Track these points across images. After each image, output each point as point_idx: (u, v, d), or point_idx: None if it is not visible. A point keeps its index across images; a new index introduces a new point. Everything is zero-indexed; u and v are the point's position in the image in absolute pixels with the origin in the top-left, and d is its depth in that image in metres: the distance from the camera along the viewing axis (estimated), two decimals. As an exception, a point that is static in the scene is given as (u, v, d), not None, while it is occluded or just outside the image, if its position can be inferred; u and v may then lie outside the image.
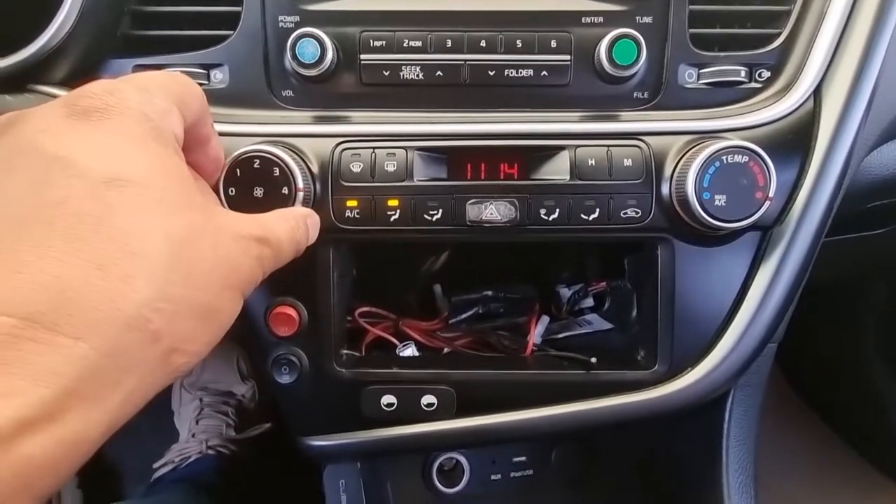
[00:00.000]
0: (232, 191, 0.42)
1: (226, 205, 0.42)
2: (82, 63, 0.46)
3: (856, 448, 1.01)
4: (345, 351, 0.50)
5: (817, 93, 0.46)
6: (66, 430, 0.22)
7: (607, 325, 0.58)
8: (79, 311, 0.22)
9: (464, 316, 0.57)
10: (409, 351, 0.54)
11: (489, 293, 0.58)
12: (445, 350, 0.55)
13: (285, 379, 0.47)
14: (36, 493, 0.21)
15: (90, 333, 0.23)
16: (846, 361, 1.00)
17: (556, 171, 0.45)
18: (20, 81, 0.45)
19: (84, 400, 0.22)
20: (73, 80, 0.46)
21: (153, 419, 1.04)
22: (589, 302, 0.61)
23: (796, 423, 1.06)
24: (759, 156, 0.42)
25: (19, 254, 0.23)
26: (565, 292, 0.61)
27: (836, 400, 1.05)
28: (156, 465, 0.92)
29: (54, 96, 0.45)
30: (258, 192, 0.42)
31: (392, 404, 0.48)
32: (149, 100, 0.29)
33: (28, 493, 0.21)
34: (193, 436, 0.95)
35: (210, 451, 0.92)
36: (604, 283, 0.58)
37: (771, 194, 0.42)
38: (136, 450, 1.01)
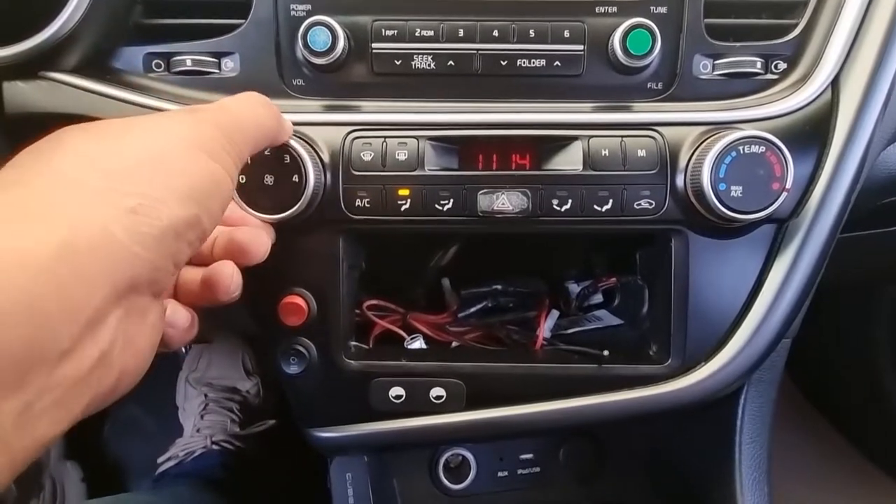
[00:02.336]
0: (242, 178, 0.41)
1: (235, 194, 0.42)
2: (94, 51, 0.46)
3: (864, 452, 0.99)
4: (353, 343, 0.50)
5: (835, 84, 0.45)
6: None
7: (617, 321, 0.57)
8: None
9: (473, 310, 0.56)
10: (417, 344, 0.54)
11: (498, 287, 0.57)
12: (454, 344, 0.55)
13: (293, 369, 0.47)
14: None
15: None
16: (856, 363, 0.99)
17: (569, 161, 0.45)
18: (32, 68, 0.45)
19: None
20: (85, 68, 0.46)
21: (158, 414, 1.04)
22: (598, 298, 0.60)
23: (804, 426, 1.05)
24: (777, 146, 0.41)
25: None
26: (574, 288, 0.60)
27: (845, 403, 1.03)
28: (160, 460, 0.92)
29: (66, 83, 0.45)
30: (269, 179, 0.42)
31: (400, 396, 0.48)
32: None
33: None
34: (198, 431, 0.95)
35: (214, 447, 0.92)
36: (613, 279, 0.58)
37: (788, 185, 0.42)
38: (141, 444, 1.01)
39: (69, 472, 0.97)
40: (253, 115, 0.34)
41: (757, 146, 0.41)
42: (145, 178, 0.26)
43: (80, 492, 0.96)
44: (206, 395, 1.00)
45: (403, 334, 0.54)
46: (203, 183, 0.28)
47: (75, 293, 0.23)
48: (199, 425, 0.96)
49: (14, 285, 0.21)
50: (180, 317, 0.34)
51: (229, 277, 0.35)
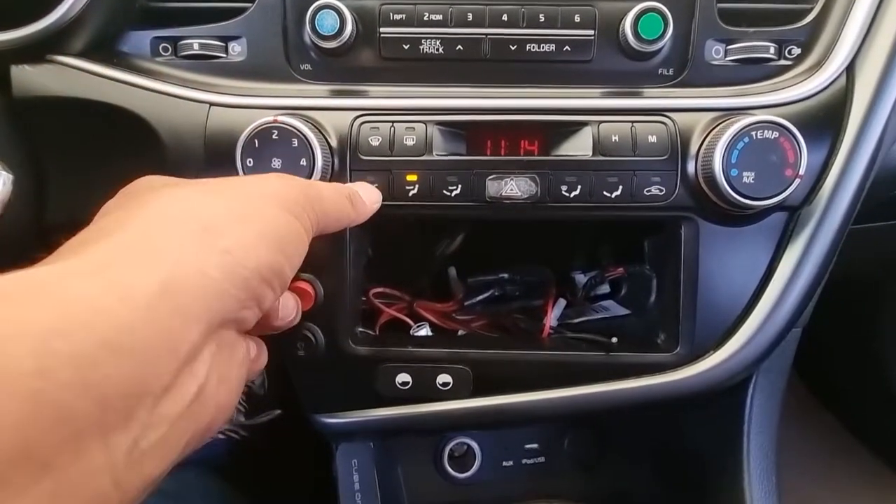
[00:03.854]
0: (250, 161, 0.41)
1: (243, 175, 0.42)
2: (101, 34, 0.46)
3: (870, 447, 0.99)
4: (360, 329, 0.50)
5: (850, 70, 0.45)
6: None
7: (624, 311, 0.57)
8: None
9: (479, 298, 0.56)
10: (424, 332, 0.53)
11: (505, 276, 0.57)
12: (460, 332, 0.55)
13: (300, 354, 0.47)
14: None
15: None
16: (863, 358, 0.98)
17: (579, 147, 0.44)
18: (39, 52, 0.44)
19: None
20: (92, 52, 0.46)
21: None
22: (605, 288, 0.60)
23: (809, 421, 1.04)
24: (790, 131, 0.41)
25: None
26: (581, 278, 0.60)
27: (852, 397, 1.03)
28: (167, 448, 0.92)
29: (73, 67, 0.45)
30: (276, 163, 0.41)
31: (407, 383, 0.48)
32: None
33: None
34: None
35: (220, 436, 0.92)
36: (621, 269, 0.57)
37: (801, 172, 0.41)
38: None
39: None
40: (336, 196, 0.37)
41: (770, 132, 0.41)
42: (237, 225, 0.28)
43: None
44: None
45: (410, 322, 0.54)
46: (287, 236, 0.31)
47: (175, 329, 0.24)
48: (205, 414, 0.96)
49: (121, 321, 0.22)
50: (252, 349, 0.35)
51: (291, 310, 0.38)
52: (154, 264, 0.24)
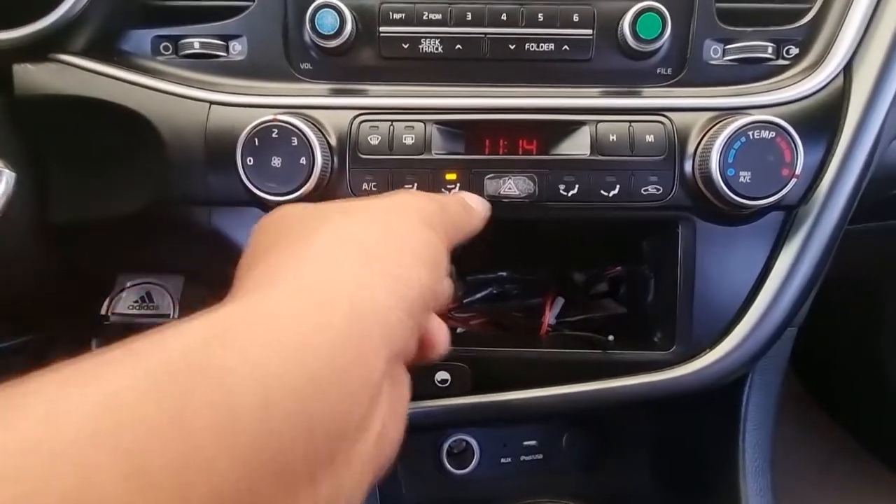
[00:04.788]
0: (250, 160, 0.42)
1: (243, 175, 0.42)
2: (102, 33, 0.46)
3: (869, 448, 0.99)
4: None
5: (847, 70, 0.45)
6: None
7: (622, 310, 0.57)
8: None
9: (478, 296, 0.56)
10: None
11: (504, 274, 0.57)
12: (459, 330, 0.55)
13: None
14: None
15: None
16: (860, 358, 0.98)
17: (577, 146, 0.44)
18: (41, 50, 0.45)
19: None
20: (94, 51, 0.46)
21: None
22: (603, 287, 0.60)
23: (808, 422, 1.04)
24: (787, 131, 0.41)
25: None
26: (579, 277, 0.60)
27: (850, 399, 1.03)
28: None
29: (75, 66, 0.45)
30: (276, 161, 0.42)
31: (406, 380, 0.48)
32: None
33: None
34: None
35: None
36: (619, 268, 0.58)
37: (798, 171, 0.41)
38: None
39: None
40: (457, 207, 0.36)
41: (767, 131, 0.41)
42: (393, 246, 0.27)
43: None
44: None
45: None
46: (435, 252, 0.29)
47: (366, 355, 0.22)
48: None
49: (319, 352, 0.21)
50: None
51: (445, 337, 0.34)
52: (336, 293, 0.23)
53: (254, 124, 0.41)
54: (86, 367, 0.18)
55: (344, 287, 0.24)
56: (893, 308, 0.93)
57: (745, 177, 0.41)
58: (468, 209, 0.37)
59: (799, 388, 1.08)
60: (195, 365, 0.18)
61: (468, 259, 0.56)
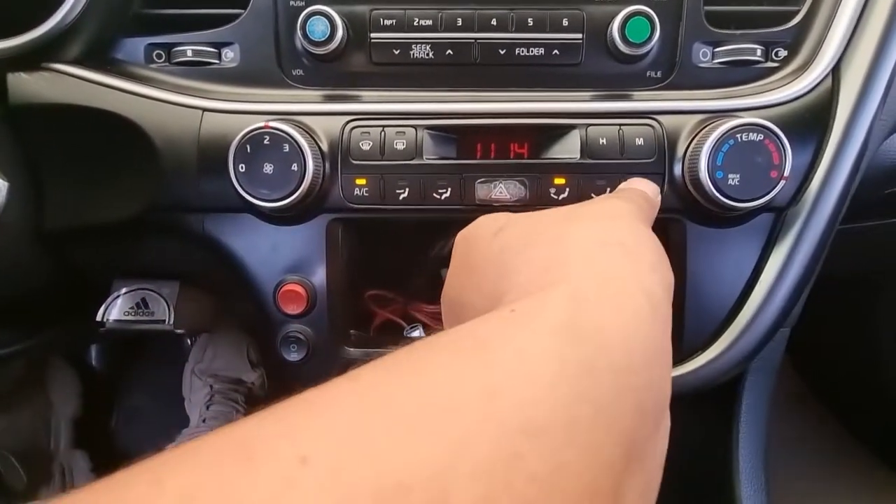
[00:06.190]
0: (242, 167, 0.42)
1: (235, 181, 0.42)
2: (95, 42, 0.47)
3: (869, 447, 0.99)
4: (353, 331, 0.51)
5: (835, 72, 0.45)
6: None
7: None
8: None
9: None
10: (417, 333, 0.54)
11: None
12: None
13: (293, 357, 0.47)
14: None
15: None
16: (858, 355, 0.98)
17: (567, 150, 0.45)
18: (35, 59, 0.45)
19: None
20: (87, 59, 0.46)
21: (164, 405, 1.05)
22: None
23: (808, 422, 1.04)
24: (775, 133, 0.41)
25: None
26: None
27: (850, 398, 1.03)
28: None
29: (68, 74, 0.46)
30: (268, 168, 0.42)
31: (399, 384, 0.48)
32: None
33: None
34: (204, 421, 0.97)
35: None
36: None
37: (786, 173, 0.41)
38: (148, 434, 1.03)
39: (78, 460, 0.98)
40: (651, 194, 0.37)
41: (755, 134, 0.41)
42: (635, 239, 0.26)
43: (88, 480, 0.98)
44: (211, 387, 1.01)
45: (403, 324, 0.54)
46: (659, 248, 0.28)
47: (666, 337, 0.22)
48: (206, 415, 0.97)
49: (641, 330, 0.20)
50: None
51: None
52: (622, 283, 0.22)
53: (245, 131, 0.42)
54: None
55: (632, 280, 0.23)
56: (893, 308, 0.93)
57: (733, 179, 0.41)
58: (650, 201, 0.36)
59: (800, 387, 1.08)
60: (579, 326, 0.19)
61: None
